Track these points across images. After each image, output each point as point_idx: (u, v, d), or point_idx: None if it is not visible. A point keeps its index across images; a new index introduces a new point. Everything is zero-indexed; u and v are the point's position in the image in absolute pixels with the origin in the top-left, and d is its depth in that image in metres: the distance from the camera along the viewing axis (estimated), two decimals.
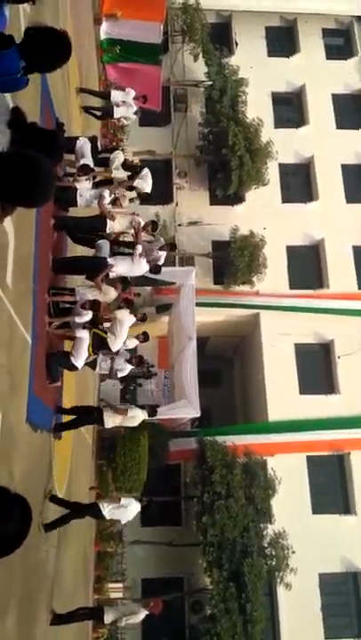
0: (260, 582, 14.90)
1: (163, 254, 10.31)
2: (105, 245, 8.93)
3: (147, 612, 9.81)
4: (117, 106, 12.85)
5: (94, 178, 9.14)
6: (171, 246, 10.50)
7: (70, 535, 9.88)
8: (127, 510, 8.94)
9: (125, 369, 9.85)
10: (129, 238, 9.65)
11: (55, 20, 8.85)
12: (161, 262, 10.56)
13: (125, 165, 10.29)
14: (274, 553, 15.72)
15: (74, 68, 11.28)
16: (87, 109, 12.75)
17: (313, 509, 17.91)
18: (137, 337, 9.98)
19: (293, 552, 15.66)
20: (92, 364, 9.52)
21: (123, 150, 10.51)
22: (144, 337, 10.17)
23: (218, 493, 15.52)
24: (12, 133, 3.10)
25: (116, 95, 13.03)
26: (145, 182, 10.08)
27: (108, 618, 9.76)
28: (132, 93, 12.97)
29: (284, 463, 17.52)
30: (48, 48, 3.25)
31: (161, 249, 10.11)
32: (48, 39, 3.25)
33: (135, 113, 13.04)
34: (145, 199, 10.22)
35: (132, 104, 12.84)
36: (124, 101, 12.79)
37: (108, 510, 8.79)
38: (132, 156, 11.85)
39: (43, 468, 7.75)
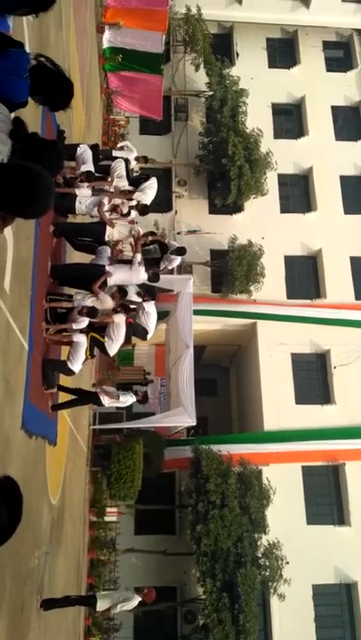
0: (254, 593, 14.83)
1: (176, 259, 10.49)
2: (105, 251, 8.95)
3: (140, 599, 9.88)
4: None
5: (94, 188, 9.15)
6: (180, 250, 10.74)
7: (63, 542, 9.84)
8: (125, 403, 10.47)
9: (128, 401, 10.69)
10: (127, 247, 9.67)
11: (58, 27, 8.91)
12: (173, 266, 10.79)
13: (129, 177, 10.29)
14: (268, 563, 15.67)
15: (75, 74, 11.34)
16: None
17: (307, 520, 17.87)
18: (135, 393, 10.47)
19: (287, 563, 15.62)
20: (96, 401, 10.07)
21: (126, 161, 10.45)
22: (143, 397, 10.89)
23: (212, 503, 15.47)
24: (13, 144, 3.12)
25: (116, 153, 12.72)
26: (145, 194, 10.05)
27: (102, 605, 9.78)
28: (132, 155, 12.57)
29: (279, 473, 17.50)
30: (53, 89, 3.36)
31: (172, 253, 10.26)
32: (55, 81, 3.35)
33: (136, 159, 12.30)
34: (142, 212, 10.18)
35: (133, 149, 12.58)
36: (122, 147, 12.53)
37: (107, 402, 9.99)
38: (134, 163, 11.73)
39: (37, 475, 7.72)
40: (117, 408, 16.93)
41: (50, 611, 8.05)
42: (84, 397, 10.04)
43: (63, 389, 9.01)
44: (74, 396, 9.48)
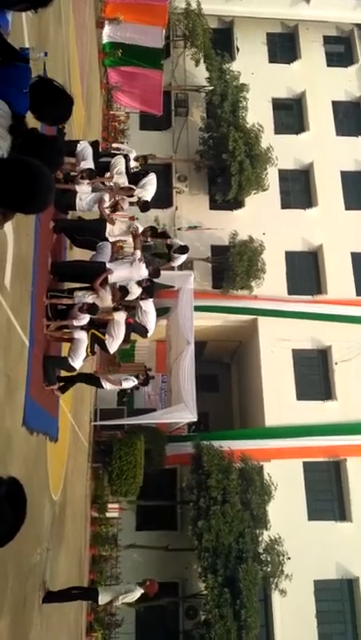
0: (255, 588, 14.87)
1: (180, 257, 10.59)
2: (106, 248, 8.93)
3: (142, 591, 9.91)
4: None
5: (94, 184, 9.14)
6: (182, 249, 10.87)
7: (65, 539, 9.86)
8: (127, 387, 10.60)
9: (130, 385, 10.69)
10: (127, 243, 9.68)
11: (57, 23, 8.87)
12: (178, 264, 10.90)
13: (128, 173, 10.26)
14: (269, 559, 15.70)
15: (75, 70, 11.30)
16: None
17: (309, 515, 17.88)
18: (137, 377, 10.39)
19: (289, 558, 15.65)
20: (98, 384, 10.08)
21: (126, 157, 10.42)
22: (144, 380, 10.81)
23: (214, 498, 15.49)
24: (13, 139, 3.11)
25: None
26: (145, 191, 10.02)
27: (104, 598, 9.81)
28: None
29: (280, 469, 17.51)
30: (54, 103, 3.43)
31: (175, 251, 10.38)
32: (54, 95, 3.43)
33: (135, 159, 11.99)
34: (144, 208, 10.16)
35: (131, 149, 12.51)
36: (117, 148, 12.49)
37: (108, 386, 10.11)
38: (133, 160, 11.69)
39: (39, 471, 7.72)
40: (120, 400, 17.13)
41: (51, 606, 8.06)
42: (86, 378, 10.14)
43: (64, 380, 9.02)
44: (76, 378, 9.55)
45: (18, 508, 2.41)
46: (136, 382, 10.70)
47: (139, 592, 9.98)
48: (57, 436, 8.99)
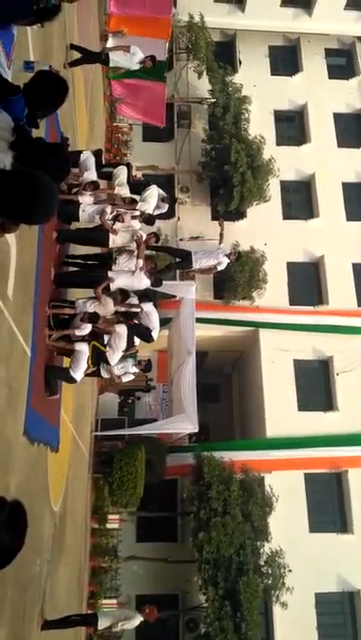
0: (256, 601, 14.74)
1: (226, 261, 10.88)
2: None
3: (142, 619, 9.79)
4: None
5: (96, 195, 9.17)
6: (237, 255, 11.22)
7: (65, 549, 9.80)
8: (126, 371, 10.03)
9: (130, 372, 10.15)
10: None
11: (62, 35, 8.97)
12: (221, 268, 11.10)
13: (129, 183, 10.27)
14: (270, 571, 15.58)
15: (79, 84, 11.39)
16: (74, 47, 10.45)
17: (310, 528, 17.76)
18: (139, 363, 10.13)
19: (290, 571, 15.52)
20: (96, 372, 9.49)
21: (128, 166, 10.44)
22: (146, 366, 10.44)
23: (214, 510, 15.40)
24: (14, 154, 3.15)
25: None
26: (147, 203, 10.00)
27: (103, 623, 9.70)
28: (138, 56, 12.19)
29: (281, 480, 17.42)
30: (49, 93, 3.54)
31: (227, 256, 10.76)
32: (47, 85, 3.53)
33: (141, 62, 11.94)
34: (149, 222, 10.15)
35: (138, 51, 12.15)
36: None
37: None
38: (135, 171, 11.72)
39: (39, 481, 7.70)
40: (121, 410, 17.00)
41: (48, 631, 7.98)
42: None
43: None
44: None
45: (17, 533, 2.36)
46: (137, 370, 10.25)
47: (138, 619, 9.87)
48: (58, 446, 8.98)
